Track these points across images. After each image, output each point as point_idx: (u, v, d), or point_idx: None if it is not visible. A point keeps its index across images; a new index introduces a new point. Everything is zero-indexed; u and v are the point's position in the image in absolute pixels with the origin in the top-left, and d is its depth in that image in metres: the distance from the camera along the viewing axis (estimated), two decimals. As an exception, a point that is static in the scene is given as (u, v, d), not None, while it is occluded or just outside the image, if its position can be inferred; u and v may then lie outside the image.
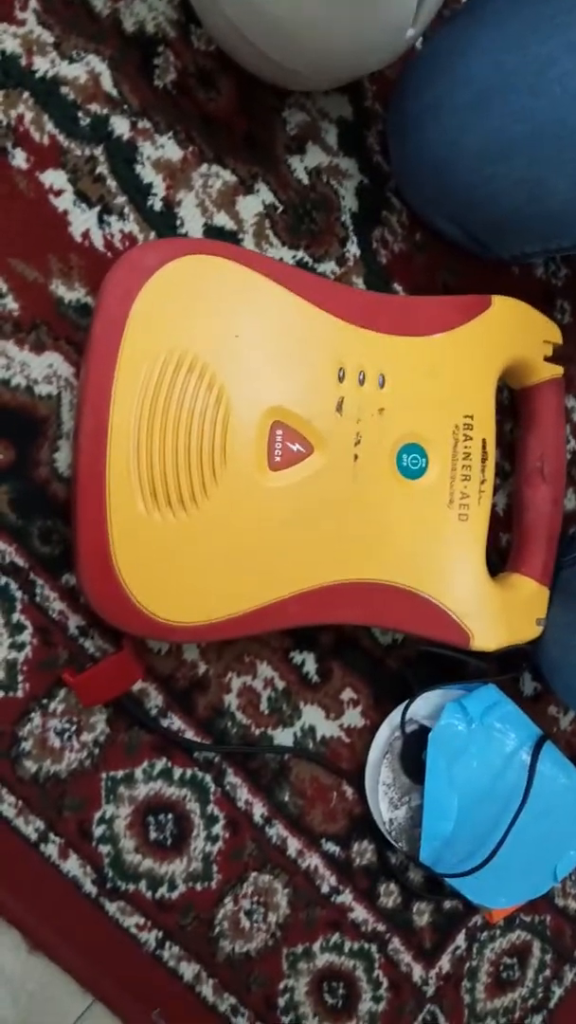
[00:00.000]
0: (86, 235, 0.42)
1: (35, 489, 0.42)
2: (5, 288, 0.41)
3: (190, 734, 0.47)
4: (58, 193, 0.42)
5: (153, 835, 0.46)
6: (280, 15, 0.37)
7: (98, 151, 0.42)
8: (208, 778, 0.47)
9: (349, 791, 0.51)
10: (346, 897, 0.51)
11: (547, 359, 0.48)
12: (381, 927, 0.52)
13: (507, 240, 0.45)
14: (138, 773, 0.46)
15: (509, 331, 0.47)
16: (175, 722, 0.46)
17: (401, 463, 0.43)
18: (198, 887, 0.48)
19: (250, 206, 0.46)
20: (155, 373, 0.38)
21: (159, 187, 0.44)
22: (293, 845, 0.50)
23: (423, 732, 0.49)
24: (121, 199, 0.43)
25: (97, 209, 0.43)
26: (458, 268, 0.51)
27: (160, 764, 0.46)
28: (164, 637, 0.40)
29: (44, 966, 0.45)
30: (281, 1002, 0.50)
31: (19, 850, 0.44)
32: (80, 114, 0.42)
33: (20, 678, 0.43)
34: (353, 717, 0.50)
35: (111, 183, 0.43)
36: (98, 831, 0.45)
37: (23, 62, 0.41)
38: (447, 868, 0.49)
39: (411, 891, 0.53)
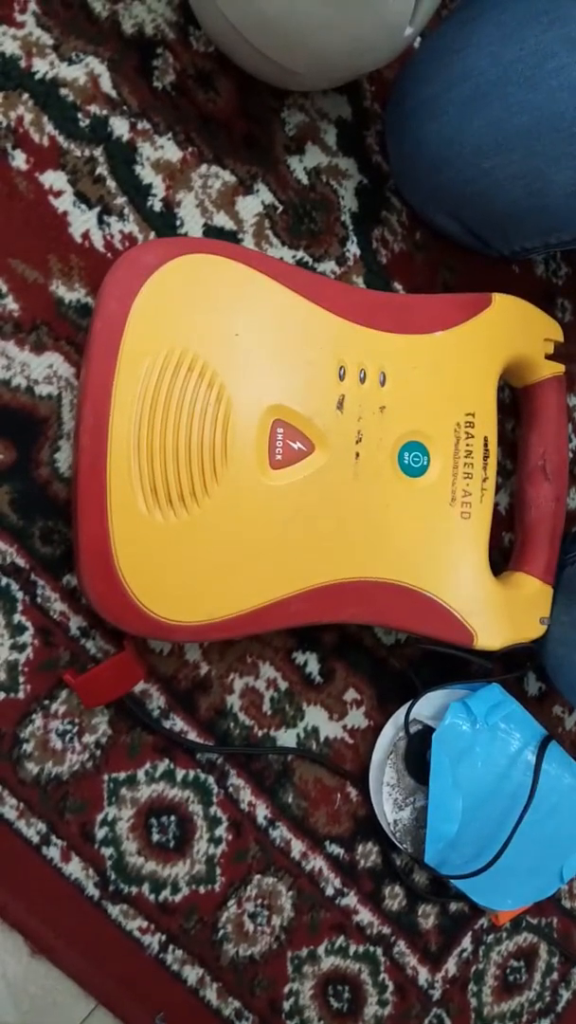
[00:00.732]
0: (86, 236, 0.42)
1: (36, 489, 0.42)
2: (5, 289, 0.41)
3: (192, 735, 0.46)
4: (58, 194, 0.42)
5: (156, 837, 0.46)
6: (278, 15, 0.37)
7: (98, 152, 0.43)
8: (211, 780, 0.47)
9: (353, 792, 0.50)
10: (351, 899, 0.51)
11: (548, 357, 0.48)
12: (386, 930, 0.52)
13: (507, 235, 0.45)
14: (140, 775, 0.46)
15: (510, 329, 0.46)
16: (177, 723, 0.46)
17: (402, 461, 0.43)
18: (201, 890, 0.47)
19: (250, 206, 0.46)
20: (155, 372, 0.38)
21: (159, 188, 0.44)
22: (297, 847, 0.49)
23: (427, 732, 0.49)
24: (121, 200, 0.43)
25: (97, 210, 0.43)
26: (458, 267, 0.51)
27: (162, 766, 0.46)
28: (166, 637, 0.40)
29: (46, 970, 0.45)
30: (286, 1006, 0.50)
31: (21, 853, 0.44)
32: (80, 115, 0.42)
33: (21, 679, 0.43)
34: (356, 718, 0.50)
35: (111, 184, 0.43)
36: (100, 833, 0.45)
37: (23, 64, 0.41)
38: (452, 870, 0.49)
39: (416, 893, 0.52)
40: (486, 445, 0.45)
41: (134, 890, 0.46)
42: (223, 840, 0.48)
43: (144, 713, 0.45)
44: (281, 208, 0.46)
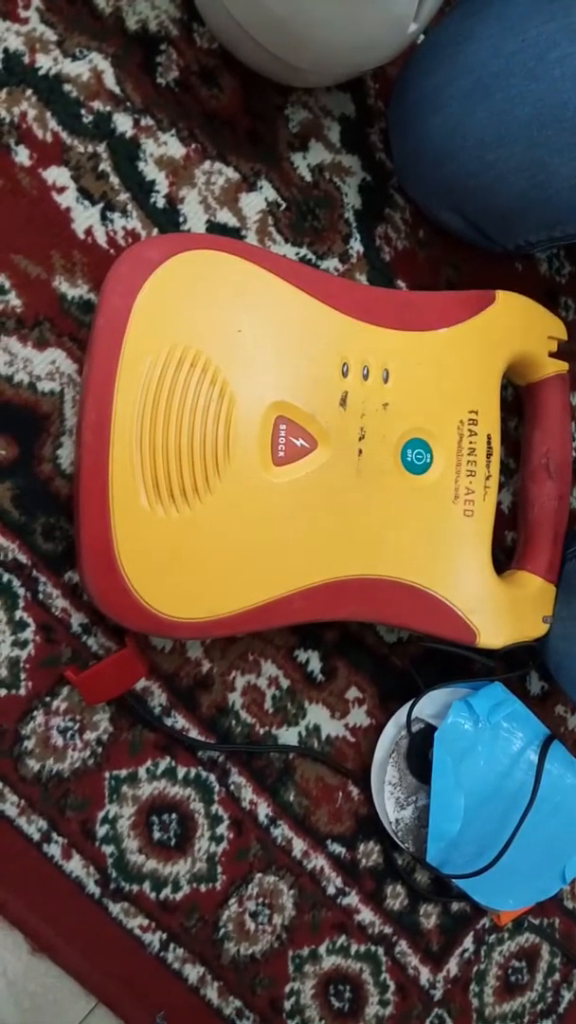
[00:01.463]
0: (89, 232, 0.42)
1: (38, 486, 0.42)
2: (8, 284, 0.41)
3: (194, 733, 0.46)
4: (61, 190, 0.42)
5: (157, 835, 0.46)
6: (282, 11, 0.37)
7: (101, 148, 0.42)
8: (212, 778, 0.47)
9: (355, 791, 0.50)
10: (352, 899, 0.51)
11: (552, 355, 0.48)
12: (388, 929, 0.52)
13: (511, 229, 0.44)
14: (142, 772, 0.45)
15: (513, 326, 0.46)
16: (179, 721, 0.46)
17: (405, 458, 0.43)
18: (202, 888, 0.47)
19: (253, 203, 0.46)
20: (158, 368, 0.37)
21: (162, 184, 0.44)
22: (298, 846, 0.49)
23: (429, 731, 0.49)
24: (124, 196, 0.43)
25: (100, 206, 0.43)
26: (462, 265, 0.51)
27: (164, 763, 0.46)
28: (167, 634, 0.40)
29: (47, 968, 0.45)
30: (287, 1005, 0.50)
31: (21, 850, 0.43)
32: (83, 111, 0.42)
33: (23, 676, 0.43)
34: (358, 716, 0.50)
35: (114, 180, 0.43)
36: (101, 831, 0.45)
37: (26, 60, 0.41)
38: (454, 869, 0.49)
39: (418, 893, 0.52)
40: (489, 443, 0.45)
41: (135, 888, 0.46)
42: (224, 838, 0.48)
43: (145, 710, 0.45)
44: (284, 205, 0.46)
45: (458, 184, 0.42)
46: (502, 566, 0.49)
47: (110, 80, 0.42)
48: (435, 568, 0.44)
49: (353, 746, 0.50)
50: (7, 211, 0.41)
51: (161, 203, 0.44)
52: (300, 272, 0.41)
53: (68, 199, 0.42)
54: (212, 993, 0.48)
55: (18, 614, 0.42)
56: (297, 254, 0.47)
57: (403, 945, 0.52)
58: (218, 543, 0.39)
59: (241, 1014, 0.49)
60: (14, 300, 0.41)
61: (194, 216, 0.44)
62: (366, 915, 0.51)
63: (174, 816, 0.46)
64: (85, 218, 0.42)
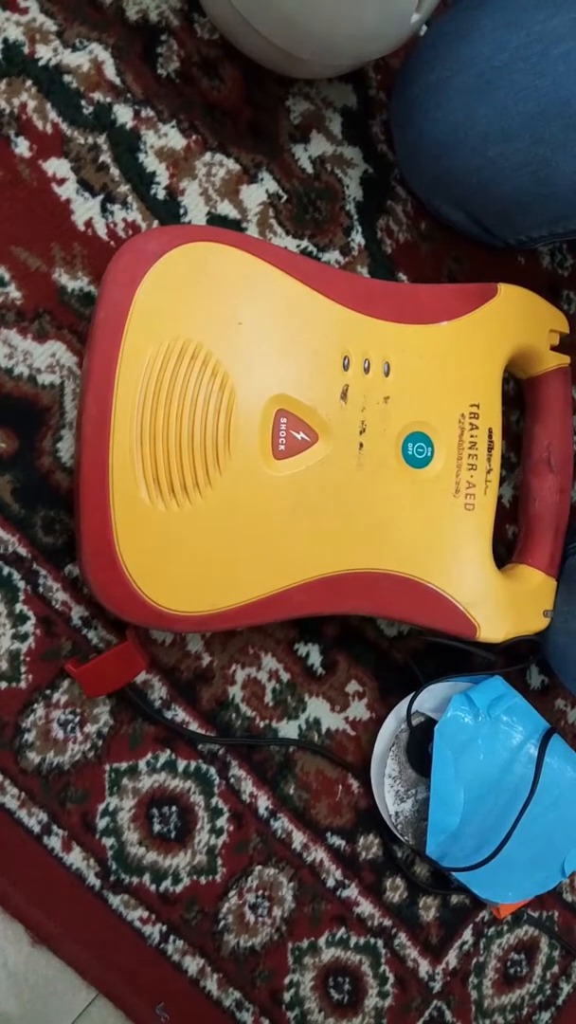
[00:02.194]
0: (89, 224, 0.42)
1: (38, 479, 0.42)
2: (8, 276, 0.41)
3: (194, 726, 0.46)
4: (61, 182, 0.42)
5: (157, 828, 0.46)
6: (285, 2, 0.37)
7: (101, 139, 0.42)
8: (212, 770, 0.47)
9: (355, 784, 0.50)
10: (352, 891, 0.51)
11: (553, 348, 0.48)
12: (387, 922, 0.52)
13: (513, 224, 0.44)
14: (142, 765, 0.46)
15: (515, 319, 0.46)
16: (179, 714, 0.46)
17: (406, 452, 0.43)
18: (202, 880, 0.47)
19: (254, 195, 0.45)
20: (158, 361, 0.37)
21: (162, 176, 0.44)
22: (298, 838, 0.49)
23: (429, 724, 0.49)
24: (124, 188, 0.43)
25: (100, 198, 0.42)
26: (463, 258, 0.50)
27: (164, 756, 0.46)
28: (168, 627, 0.40)
29: (47, 960, 0.45)
30: (286, 997, 0.50)
31: (22, 842, 0.44)
32: (83, 102, 0.42)
33: (23, 669, 0.43)
34: (358, 709, 0.50)
35: (114, 172, 0.43)
36: (101, 823, 0.45)
37: (26, 50, 0.41)
38: (454, 862, 0.49)
39: (417, 885, 0.52)
40: (490, 436, 0.45)
41: (135, 880, 0.46)
42: (224, 831, 0.48)
43: (146, 703, 0.45)
44: (285, 197, 0.46)
45: (460, 179, 0.42)
46: (503, 560, 0.49)
47: (110, 71, 0.42)
48: (436, 562, 0.44)
49: (353, 739, 0.50)
50: (7, 203, 0.41)
51: (161, 195, 0.44)
52: (301, 265, 0.41)
53: (68, 191, 0.42)
54: (212, 985, 0.48)
55: (18, 607, 0.42)
56: (298, 246, 0.47)
57: (402, 937, 0.52)
58: (218, 537, 0.39)
59: (241, 1006, 0.49)
60: (14, 292, 0.41)
61: (195, 208, 0.44)
62: (365, 907, 0.51)
63: (174, 809, 0.47)
64: (85, 210, 0.42)
